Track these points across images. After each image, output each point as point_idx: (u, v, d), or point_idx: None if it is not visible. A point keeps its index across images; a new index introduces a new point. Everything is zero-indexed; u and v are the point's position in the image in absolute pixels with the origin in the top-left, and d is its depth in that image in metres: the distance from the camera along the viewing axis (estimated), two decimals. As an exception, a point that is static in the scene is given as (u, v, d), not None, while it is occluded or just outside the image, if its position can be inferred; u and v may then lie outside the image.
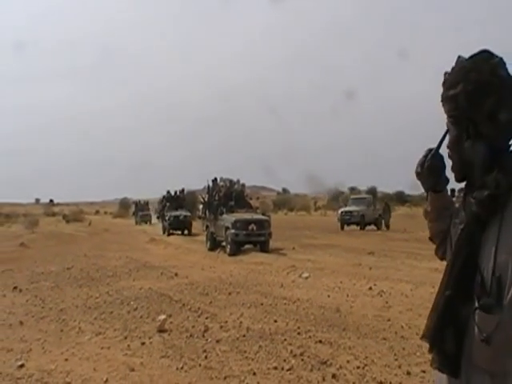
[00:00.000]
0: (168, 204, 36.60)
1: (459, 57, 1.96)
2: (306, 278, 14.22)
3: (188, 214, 34.82)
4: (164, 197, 38.27)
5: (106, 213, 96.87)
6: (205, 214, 25.45)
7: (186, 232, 34.59)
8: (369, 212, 36.35)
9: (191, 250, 23.53)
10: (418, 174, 2.11)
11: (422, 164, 2.08)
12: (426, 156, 2.07)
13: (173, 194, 37.94)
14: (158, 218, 39.27)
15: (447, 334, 1.85)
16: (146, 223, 52.23)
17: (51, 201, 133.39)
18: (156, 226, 43.01)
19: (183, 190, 38.27)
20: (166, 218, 34.67)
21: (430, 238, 2.27)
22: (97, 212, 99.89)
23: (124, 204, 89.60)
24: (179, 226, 34.50)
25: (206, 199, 25.74)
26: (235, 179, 26.17)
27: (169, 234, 33.54)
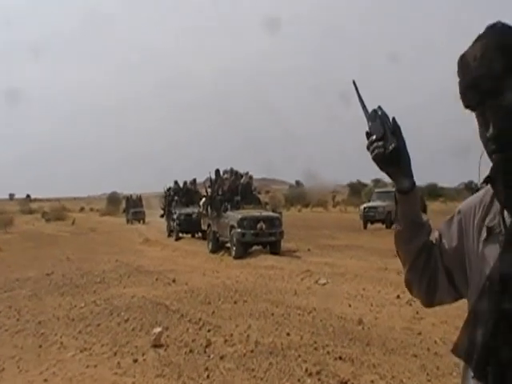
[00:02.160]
0: (176, 198, 33.07)
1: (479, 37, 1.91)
2: (324, 284, 14.21)
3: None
4: (170, 189, 34.96)
5: (92, 210, 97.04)
6: (206, 210, 25.40)
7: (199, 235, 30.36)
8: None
9: (191, 253, 23.55)
10: (382, 162, 1.97)
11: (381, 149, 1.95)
12: (380, 139, 1.95)
13: (181, 185, 34.46)
14: (162, 216, 35.58)
15: (503, 352, 1.82)
16: (139, 222, 52.27)
17: (28, 196, 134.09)
18: (151, 224, 43.07)
19: (195, 181, 34.47)
20: (175, 216, 31.17)
21: (407, 279, 2.13)
22: (82, 209, 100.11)
23: (113, 199, 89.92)
24: (191, 228, 30.39)
25: (208, 193, 25.73)
26: (242, 171, 26.05)
27: (177, 238, 30.53)
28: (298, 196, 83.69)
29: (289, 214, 50.49)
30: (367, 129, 1.98)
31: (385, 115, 1.95)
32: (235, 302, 12.23)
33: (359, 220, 36.95)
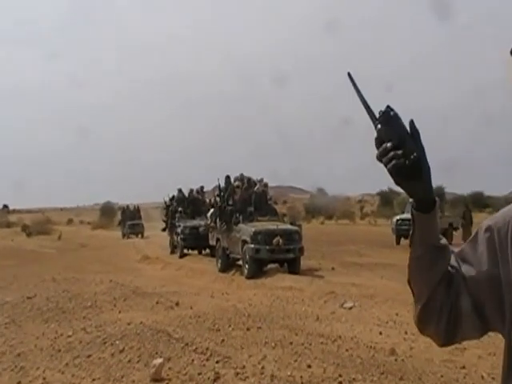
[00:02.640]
0: (180, 209, 32.54)
1: None
2: (350, 308, 14.18)
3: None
4: (173, 199, 34.66)
5: (82, 222, 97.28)
6: (215, 223, 25.37)
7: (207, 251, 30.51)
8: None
9: (197, 271, 23.55)
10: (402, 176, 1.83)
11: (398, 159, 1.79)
12: (397, 147, 1.79)
13: (186, 194, 34.18)
14: (163, 229, 35.41)
15: None
16: (137, 236, 52.33)
17: (5, 206, 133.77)
18: (151, 239, 43.09)
19: (202, 189, 34.29)
20: (178, 230, 30.73)
21: (422, 315, 1.99)
22: (70, 221, 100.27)
23: (107, 210, 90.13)
24: (197, 243, 30.10)
25: (218, 204, 25.66)
26: (256, 177, 25.95)
27: (182, 255, 30.22)
28: (320, 206, 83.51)
29: (310, 226, 50.46)
30: (375, 134, 1.84)
31: (398, 117, 1.81)
32: (248, 329, 12.20)
33: (391, 234, 36.86)
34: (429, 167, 1.83)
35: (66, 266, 27.14)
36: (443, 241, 1.93)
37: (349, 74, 1.90)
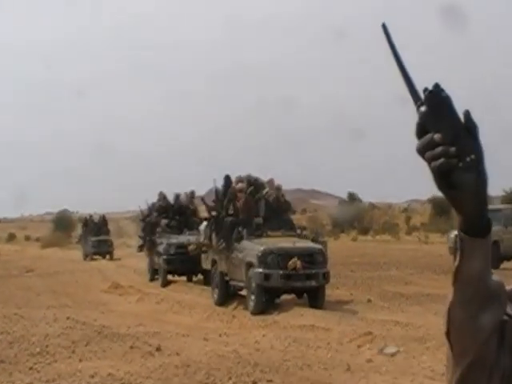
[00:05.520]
0: (164, 222, 32.73)
1: None
2: (393, 354, 14.18)
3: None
4: (153, 207, 34.74)
5: (28, 238, 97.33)
6: (210, 239, 25.19)
7: (198, 277, 30.91)
8: (507, 236, 35.77)
9: (186, 305, 23.52)
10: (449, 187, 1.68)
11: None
12: (449, 142, 1.66)
13: (171, 201, 34.08)
14: (140, 248, 35.30)
15: None
16: (104, 257, 52.28)
17: None
18: (123, 261, 43.15)
19: (192, 195, 34.02)
20: (160, 249, 30.95)
21: (463, 379, 1.79)
22: (11, 237, 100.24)
23: (62, 222, 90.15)
24: (186, 267, 30.22)
25: (213, 213, 25.53)
26: (265, 178, 25.88)
27: (165, 283, 30.52)
28: (351, 217, 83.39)
29: (338, 244, 50.55)
30: (417, 118, 1.69)
31: (451, 102, 1.67)
32: (254, 383, 12.21)
33: (448, 254, 36.87)
34: (486, 177, 1.70)
35: (5, 298, 27.05)
36: (497, 277, 1.81)
37: (383, 26, 1.75)
